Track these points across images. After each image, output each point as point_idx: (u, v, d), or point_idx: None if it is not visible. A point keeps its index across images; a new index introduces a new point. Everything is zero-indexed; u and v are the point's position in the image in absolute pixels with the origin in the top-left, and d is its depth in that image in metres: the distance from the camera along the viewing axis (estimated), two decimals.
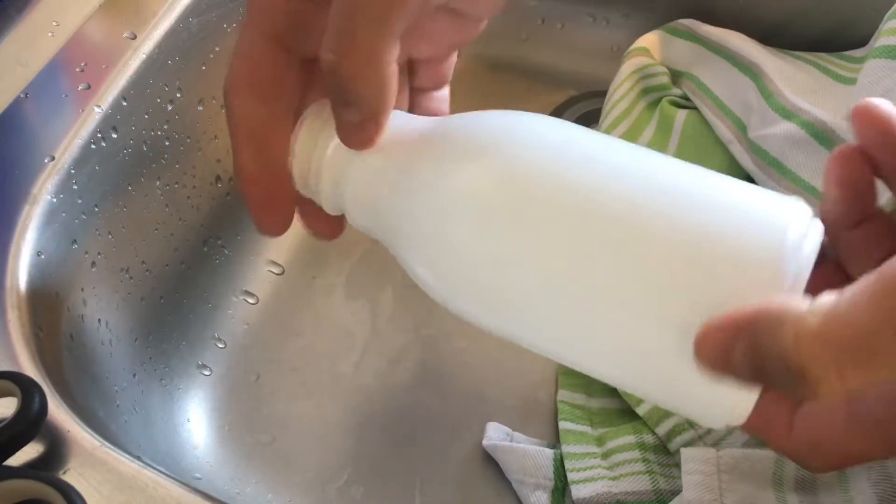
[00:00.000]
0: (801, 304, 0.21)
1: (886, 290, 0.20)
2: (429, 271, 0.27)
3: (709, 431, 0.40)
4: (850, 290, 0.20)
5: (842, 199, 0.26)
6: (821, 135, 0.42)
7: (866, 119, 0.25)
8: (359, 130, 0.27)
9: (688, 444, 0.40)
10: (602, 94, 0.55)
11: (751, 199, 0.24)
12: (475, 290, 0.27)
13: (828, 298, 0.21)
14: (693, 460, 0.36)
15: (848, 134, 0.41)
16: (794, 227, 0.23)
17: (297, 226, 0.55)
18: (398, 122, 0.29)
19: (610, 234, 0.24)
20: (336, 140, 0.28)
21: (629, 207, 0.24)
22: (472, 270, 0.26)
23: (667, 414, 0.41)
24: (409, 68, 0.34)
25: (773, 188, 0.44)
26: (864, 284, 0.20)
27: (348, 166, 0.28)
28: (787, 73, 0.47)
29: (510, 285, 0.26)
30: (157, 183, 0.48)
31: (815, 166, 0.42)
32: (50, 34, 0.48)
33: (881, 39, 0.42)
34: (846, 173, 0.26)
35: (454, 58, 0.35)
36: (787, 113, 0.44)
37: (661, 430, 0.41)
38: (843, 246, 0.27)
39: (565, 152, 0.26)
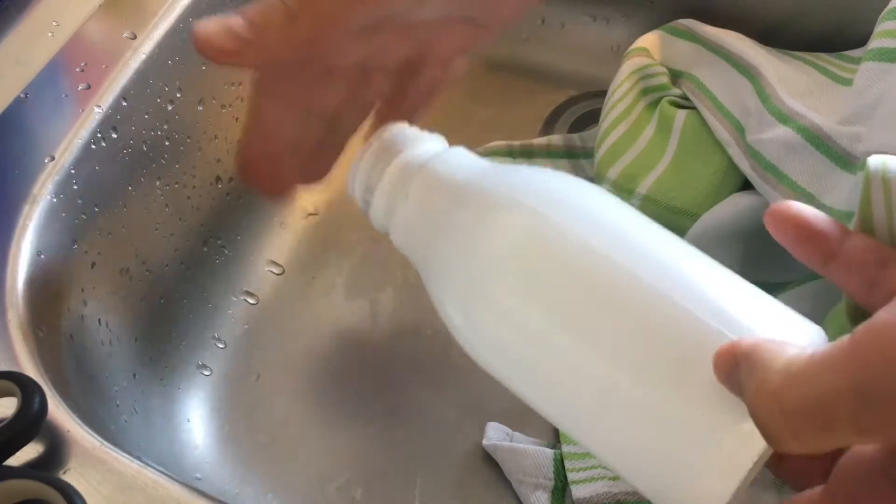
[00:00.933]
0: (784, 354, 0.21)
1: (857, 354, 0.19)
2: (453, 312, 0.29)
3: None
4: (825, 349, 0.20)
5: (800, 254, 0.26)
6: (816, 140, 0.42)
7: (780, 225, 0.25)
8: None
9: None
10: (602, 94, 0.55)
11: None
12: (487, 342, 0.28)
13: (804, 355, 0.20)
14: None
15: (843, 139, 0.41)
16: None
17: (296, 225, 0.56)
18: (456, 161, 0.30)
19: (598, 320, 0.25)
20: (394, 166, 0.30)
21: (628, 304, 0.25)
22: (487, 323, 0.28)
23: None
24: (412, 68, 0.35)
25: (769, 193, 0.44)
26: (838, 344, 0.20)
27: (400, 195, 0.30)
28: (784, 74, 0.47)
29: (519, 347, 0.27)
30: (157, 183, 0.48)
31: (811, 172, 0.42)
32: (50, 34, 0.48)
33: (874, 42, 0.42)
34: (782, 234, 0.26)
35: (459, 64, 0.36)
36: (784, 117, 0.44)
37: None
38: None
39: (592, 230, 0.27)
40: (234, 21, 0.30)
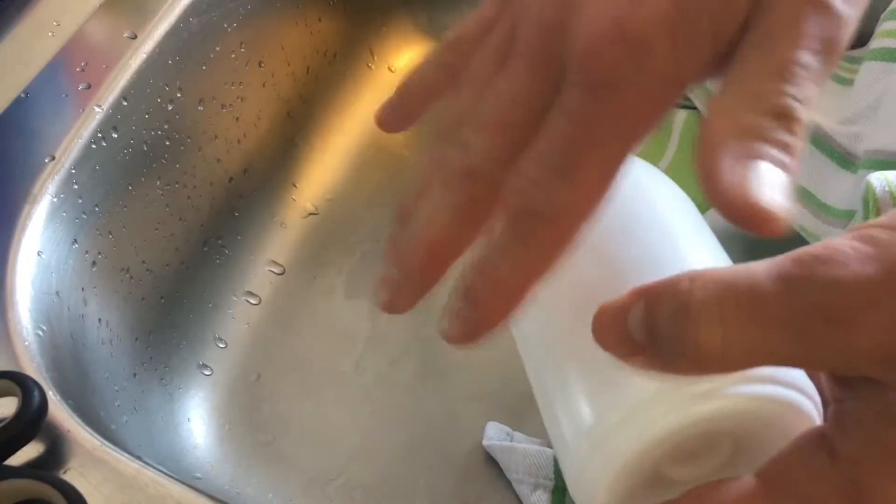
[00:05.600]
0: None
1: None
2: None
3: None
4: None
5: None
6: (817, 139, 0.42)
7: None
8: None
9: None
10: None
11: None
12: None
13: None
14: None
15: (844, 138, 0.41)
16: None
17: (297, 225, 0.56)
18: None
19: None
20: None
21: None
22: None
23: None
24: None
25: None
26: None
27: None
28: None
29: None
30: (158, 183, 0.48)
31: (811, 171, 0.42)
32: (50, 34, 0.48)
33: (876, 41, 0.42)
34: None
35: None
36: None
37: None
38: None
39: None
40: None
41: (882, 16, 0.43)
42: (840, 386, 0.21)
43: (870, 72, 0.42)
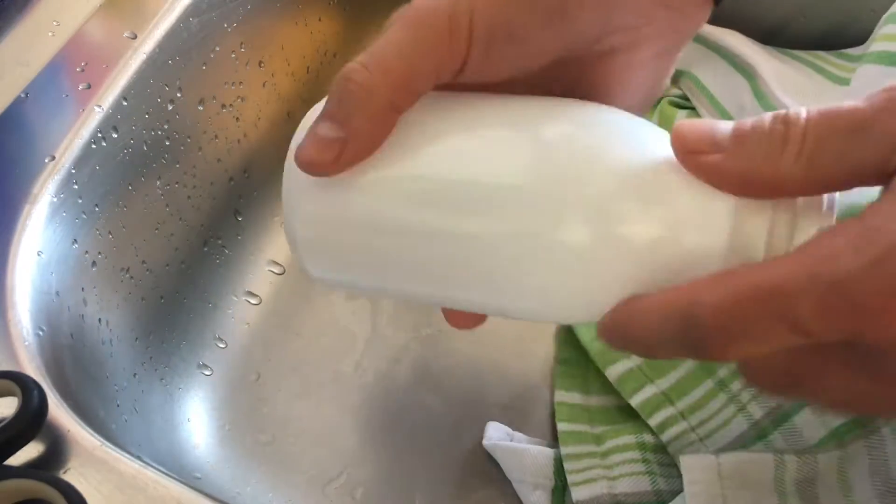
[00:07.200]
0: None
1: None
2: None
3: (701, 423, 0.40)
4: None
5: None
6: None
7: None
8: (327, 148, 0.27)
9: (680, 436, 0.40)
10: None
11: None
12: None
13: None
14: (694, 469, 0.35)
15: None
16: None
17: None
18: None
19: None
20: None
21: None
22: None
23: (659, 405, 0.41)
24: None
25: None
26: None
27: None
28: (782, 74, 0.48)
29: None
30: (158, 183, 0.48)
31: None
32: (50, 34, 0.48)
33: (875, 45, 0.42)
34: None
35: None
36: None
37: (654, 421, 0.41)
38: None
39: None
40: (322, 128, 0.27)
41: (883, 18, 0.43)
42: None
43: (867, 75, 0.42)
